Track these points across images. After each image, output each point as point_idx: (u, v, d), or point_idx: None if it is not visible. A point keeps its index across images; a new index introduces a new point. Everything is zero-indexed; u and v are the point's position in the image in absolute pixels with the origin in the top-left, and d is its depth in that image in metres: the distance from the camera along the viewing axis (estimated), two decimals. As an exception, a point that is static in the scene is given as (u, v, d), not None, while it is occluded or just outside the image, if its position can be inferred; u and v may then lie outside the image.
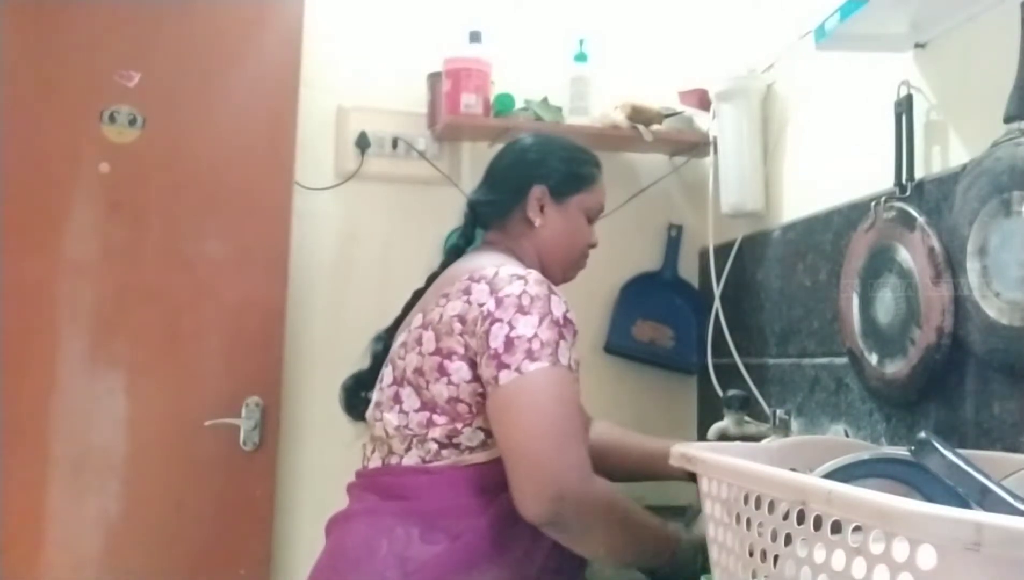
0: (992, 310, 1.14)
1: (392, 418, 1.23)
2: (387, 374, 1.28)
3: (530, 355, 1.13)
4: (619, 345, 2.17)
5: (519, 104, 2.07)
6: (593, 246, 1.45)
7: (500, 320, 1.15)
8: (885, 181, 1.41)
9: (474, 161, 2.12)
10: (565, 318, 1.18)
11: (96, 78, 1.89)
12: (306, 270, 2.04)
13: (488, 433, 1.19)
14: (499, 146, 1.56)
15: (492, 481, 1.18)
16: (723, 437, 1.66)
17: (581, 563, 1.31)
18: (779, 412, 1.68)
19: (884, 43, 1.40)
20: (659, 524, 1.27)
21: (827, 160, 1.70)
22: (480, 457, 1.20)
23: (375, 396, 1.30)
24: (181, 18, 1.94)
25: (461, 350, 1.19)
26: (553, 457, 1.11)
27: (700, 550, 1.18)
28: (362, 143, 2.09)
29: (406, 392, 1.23)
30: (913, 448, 0.88)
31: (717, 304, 1.98)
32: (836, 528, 0.70)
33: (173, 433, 1.87)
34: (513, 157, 1.43)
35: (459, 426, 1.19)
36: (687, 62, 2.18)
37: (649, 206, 2.24)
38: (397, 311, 1.40)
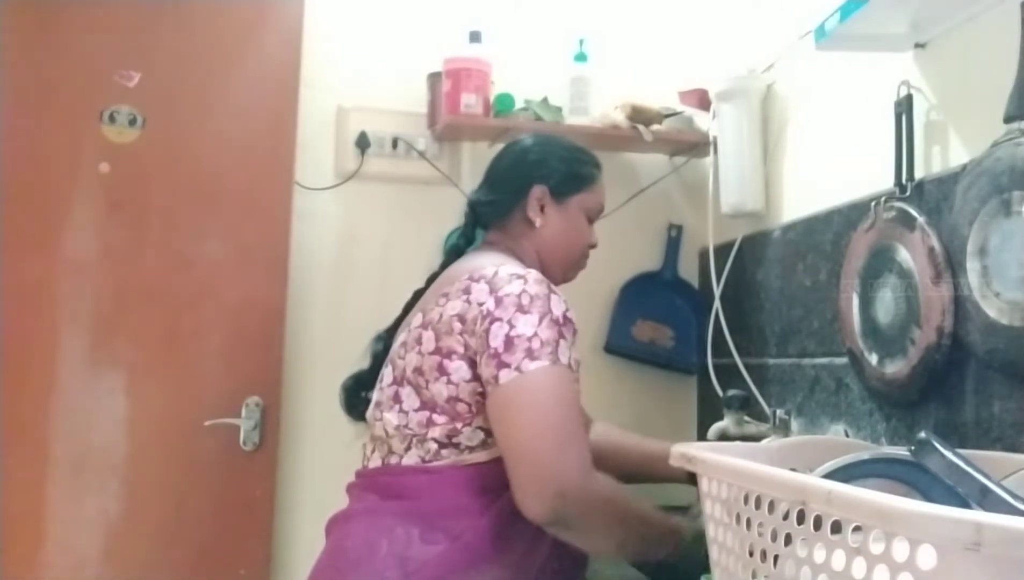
0: (992, 310, 1.14)
1: (392, 418, 1.23)
2: (387, 374, 1.28)
3: (530, 354, 1.13)
4: (619, 345, 2.17)
5: (519, 104, 2.07)
6: (593, 246, 1.45)
7: (500, 319, 1.15)
8: (885, 181, 1.41)
9: (474, 161, 2.12)
10: (565, 317, 1.18)
11: (96, 78, 1.89)
12: (306, 270, 2.04)
13: (488, 433, 1.19)
14: (499, 146, 1.56)
15: (492, 481, 1.18)
16: (723, 437, 1.66)
17: (581, 563, 1.31)
18: (779, 412, 1.69)
19: (884, 43, 1.40)
20: (662, 517, 1.27)
21: (827, 160, 1.70)
22: (480, 456, 1.20)
23: (375, 396, 1.30)
24: (181, 18, 1.94)
25: (461, 349, 1.19)
26: (554, 456, 1.11)
27: (704, 540, 1.19)
28: (362, 143, 2.09)
29: (406, 392, 1.23)
30: (913, 448, 0.88)
31: (717, 304, 1.98)
32: (836, 528, 0.70)
33: (173, 433, 1.87)
34: (513, 157, 1.43)
35: (459, 425, 1.19)
36: (687, 62, 2.18)
37: (649, 206, 2.24)
38: (397, 311, 1.40)
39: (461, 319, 1.19)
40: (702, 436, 1.93)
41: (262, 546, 1.90)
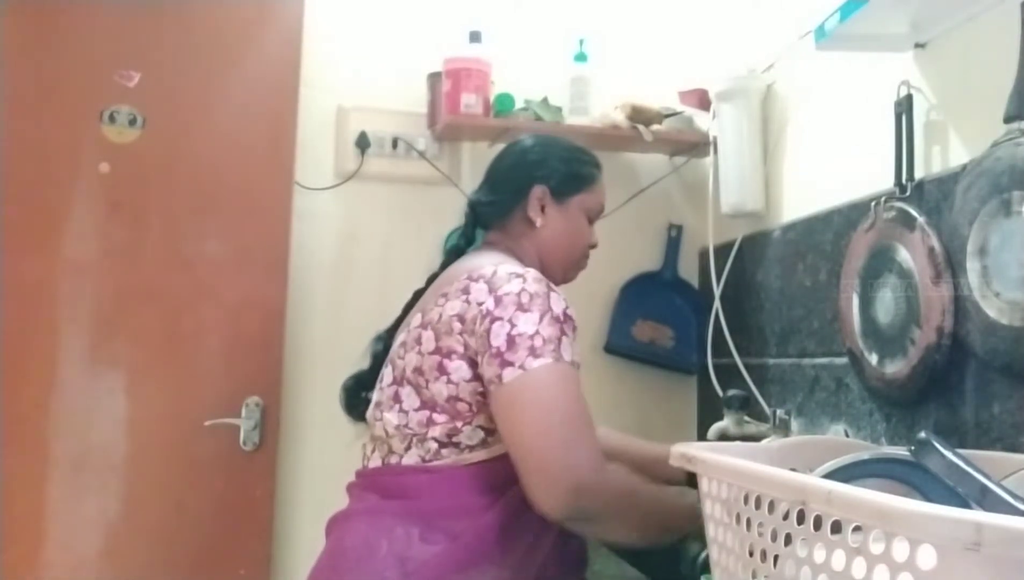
0: (992, 310, 1.14)
1: (392, 418, 1.23)
2: (387, 374, 1.28)
3: (533, 352, 1.13)
4: (619, 345, 2.17)
5: (519, 104, 2.07)
6: (593, 246, 1.45)
7: (500, 318, 1.15)
8: (885, 181, 1.41)
9: (474, 161, 2.12)
10: (565, 314, 1.18)
11: (96, 78, 1.89)
12: (306, 270, 2.04)
13: (488, 432, 1.20)
14: (499, 146, 1.56)
15: (492, 480, 1.18)
16: (723, 437, 1.66)
17: (581, 563, 1.32)
18: (779, 412, 1.69)
19: (884, 43, 1.40)
20: (675, 496, 1.26)
21: (827, 160, 1.70)
22: (480, 455, 1.20)
23: (375, 396, 1.30)
24: (181, 18, 1.94)
25: (460, 349, 1.19)
26: (564, 451, 1.11)
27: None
28: (362, 143, 2.09)
29: (406, 391, 1.23)
30: (913, 448, 0.88)
31: (717, 304, 1.98)
32: (836, 528, 0.70)
33: (173, 433, 1.88)
34: (514, 158, 1.43)
35: (459, 424, 1.19)
36: (687, 62, 2.18)
37: (649, 206, 2.24)
38: (397, 311, 1.40)
39: (461, 319, 1.19)
40: (702, 436, 1.93)
41: (262, 546, 1.90)
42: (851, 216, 1.54)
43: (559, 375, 1.14)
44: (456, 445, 1.20)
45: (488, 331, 1.15)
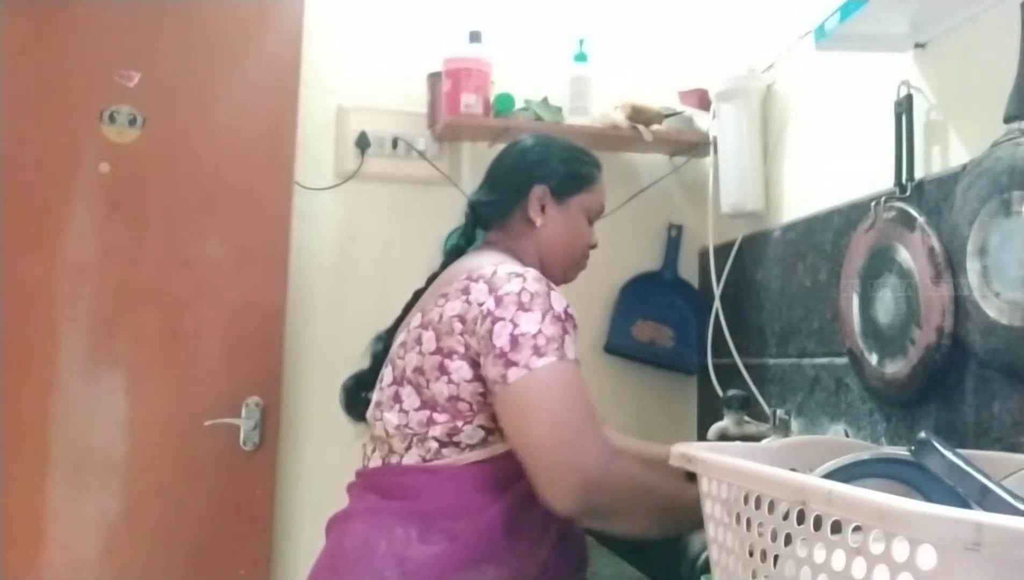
0: (992, 310, 1.14)
1: (392, 417, 1.23)
2: (387, 374, 1.28)
3: (537, 351, 1.13)
4: (619, 345, 2.17)
5: (519, 104, 2.07)
6: (593, 246, 1.45)
7: (502, 319, 1.15)
8: (885, 181, 1.41)
9: (474, 161, 2.12)
10: (566, 313, 1.19)
11: (96, 78, 1.89)
12: (306, 270, 2.04)
13: (489, 431, 1.20)
14: (499, 146, 1.56)
15: (493, 479, 1.19)
16: (723, 437, 1.66)
17: (581, 563, 1.32)
18: (779, 412, 1.69)
19: (884, 43, 1.40)
20: (687, 487, 1.26)
21: (827, 160, 1.70)
22: (481, 454, 1.20)
23: (375, 396, 1.30)
24: (181, 18, 1.94)
25: (461, 349, 1.19)
26: (573, 447, 1.12)
27: None
28: (362, 143, 2.09)
29: (406, 391, 1.23)
30: (913, 448, 0.88)
31: (717, 304, 1.98)
32: (836, 528, 0.70)
33: (173, 433, 1.87)
34: (514, 158, 1.43)
35: (459, 424, 1.19)
36: (687, 62, 2.18)
37: (649, 206, 2.24)
38: (397, 311, 1.40)
39: (461, 319, 1.19)
40: (702, 436, 1.93)
41: (262, 546, 1.90)
42: (851, 216, 1.54)
43: (564, 373, 1.14)
44: (457, 444, 1.20)
45: (490, 332, 1.15)
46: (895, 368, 1.35)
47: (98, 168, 1.88)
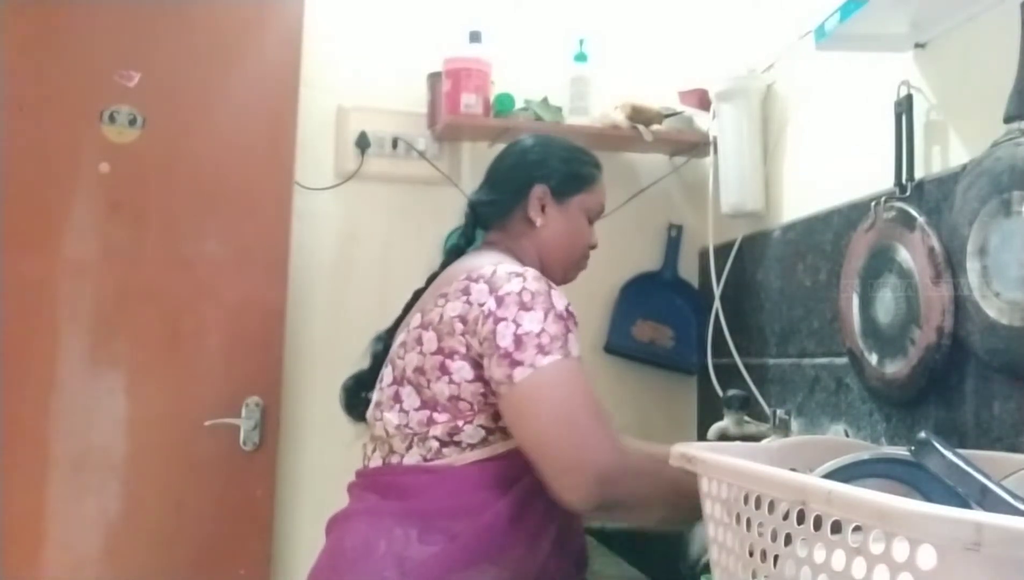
0: (992, 310, 1.14)
1: (392, 417, 1.23)
2: (387, 374, 1.28)
3: (541, 349, 1.13)
4: (619, 345, 2.17)
5: (519, 104, 2.07)
6: (593, 247, 1.45)
7: (505, 319, 1.15)
8: (885, 181, 1.41)
9: (474, 161, 2.12)
10: (568, 311, 1.19)
11: (96, 78, 1.89)
12: (306, 270, 2.04)
13: (489, 430, 1.20)
14: (499, 146, 1.56)
15: (494, 479, 1.19)
16: (723, 437, 1.66)
17: (581, 563, 1.32)
18: (779, 412, 1.69)
19: (884, 43, 1.40)
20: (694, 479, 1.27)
21: (827, 160, 1.70)
22: (481, 454, 1.20)
23: (375, 396, 1.30)
24: (181, 18, 1.94)
25: (463, 350, 1.19)
26: (584, 442, 1.12)
27: None
28: (362, 143, 2.09)
29: (406, 391, 1.23)
30: (913, 448, 0.88)
31: (717, 304, 1.98)
32: (836, 528, 0.70)
33: (173, 433, 1.88)
34: (514, 158, 1.43)
35: (460, 423, 1.19)
36: (687, 62, 2.18)
37: (649, 206, 2.24)
38: (397, 311, 1.40)
39: (463, 320, 1.19)
40: (702, 436, 1.93)
41: (262, 546, 1.90)
42: (851, 216, 1.54)
43: (569, 370, 1.15)
44: (458, 444, 1.20)
45: (493, 332, 1.15)
46: (895, 368, 1.35)
47: (98, 168, 1.88)
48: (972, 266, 1.18)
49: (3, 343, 1.80)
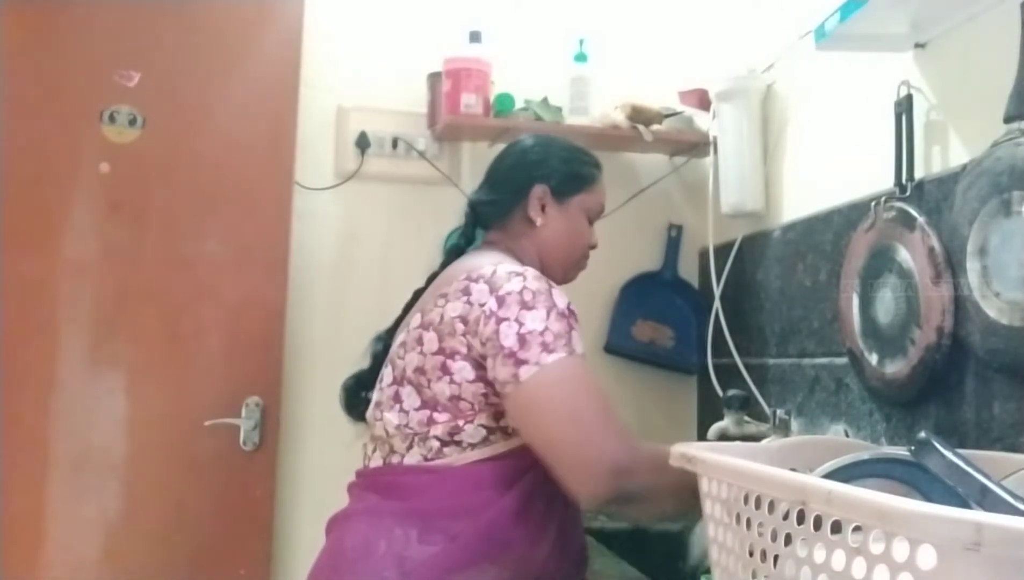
0: (992, 310, 1.14)
1: (392, 417, 1.23)
2: (387, 374, 1.28)
3: (546, 347, 1.13)
4: (619, 345, 2.17)
5: (519, 104, 2.07)
6: (593, 247, 1.45)
7: (507, 318, 1.15)
8: (885, 181, 1.41)
9: (474, 161, 2.12)
10: (569, 309, 1.19)
11: (96, 78, 1.89)
12: (306, 270, 2.04)
13: (490, 430, 1.19)
14: (499, 146, 1.56)
15: (494, 478, 1.19)
16: (723, 437, 1.66)
17: (581, 563, 1.31)
18: (779, 412, 1.69)
19: (884, 43, 1.40)
20: None
21: (827, 160, 1.70)
22: (482, 453, 1.20)
23: (375, 396, 1.30)
24: (181, 18, 1.94)
25: (464, 350, 1.19)
26: (595, 437, 1.12)
27: None
28: (362, 143, 2.09)
29: (406, 391, 1.23)
30: (913, 448, 0.88)
31: (717, 304, 1.98)
32: (836, 528, 0.70)
33: (173, 433, 1.88)
34: (514, 157, 1.43)
35: (461, 423, 1.19)
36: (687, 62, 2.18)
37: (649, 206, 2.24)
38: (397, 311, 1.40)
39: (463, 320, 1.19)
40: (702, 436, 1.93)
41: (262, 546, 1.90)
42: (851, 216, 1.54)
43: (575, 367, 1.15)
44: (458, 443, 1.20)
45: (496, 332, 1.15)
46: (895, 368, 1.35)
47: (98, 168, 1.88)
48: (972, 266, 1.18)
49: (3, 343, 1.80)
